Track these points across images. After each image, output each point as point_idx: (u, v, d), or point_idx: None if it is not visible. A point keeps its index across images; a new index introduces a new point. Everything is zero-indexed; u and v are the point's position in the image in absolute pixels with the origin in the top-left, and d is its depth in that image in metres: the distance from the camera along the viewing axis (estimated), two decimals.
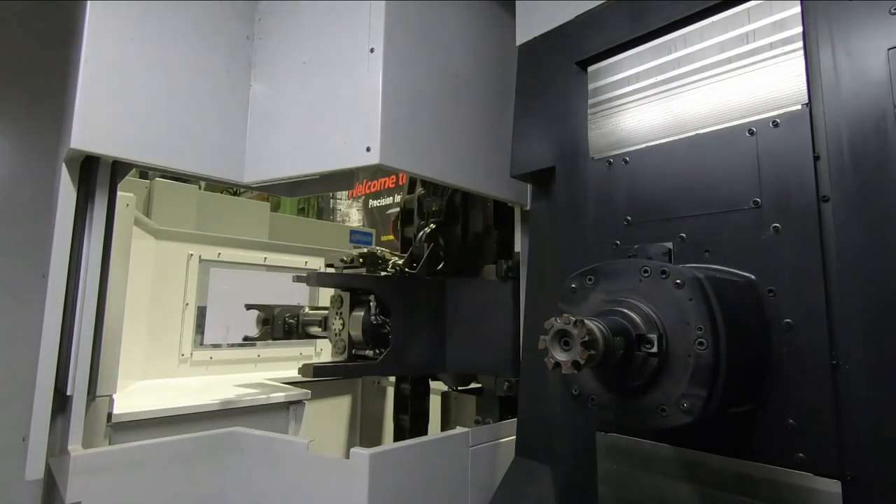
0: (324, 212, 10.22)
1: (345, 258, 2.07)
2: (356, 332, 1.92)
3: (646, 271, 1.07)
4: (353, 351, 1.93)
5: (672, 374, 1.00)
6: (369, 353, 1.94)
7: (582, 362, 0.92)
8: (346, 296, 1.96)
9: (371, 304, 1.95)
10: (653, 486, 1.25)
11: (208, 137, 1.73)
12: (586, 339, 0.93)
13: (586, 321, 0.95)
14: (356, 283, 1.98)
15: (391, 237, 8.05)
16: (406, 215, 2.64)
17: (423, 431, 2.45)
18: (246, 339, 2.33)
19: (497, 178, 1.94)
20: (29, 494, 1.72)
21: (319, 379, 3.19)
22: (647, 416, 1.03)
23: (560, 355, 0.96)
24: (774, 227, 1.13)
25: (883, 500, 0.96)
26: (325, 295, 3.50)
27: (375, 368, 1.96)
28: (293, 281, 2.00)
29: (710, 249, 1.22)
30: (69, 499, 1.36)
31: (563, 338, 0.97)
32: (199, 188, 4.02)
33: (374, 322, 1.93)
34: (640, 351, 1.02)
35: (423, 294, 2.10)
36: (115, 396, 2.00)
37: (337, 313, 1.97)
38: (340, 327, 1.94)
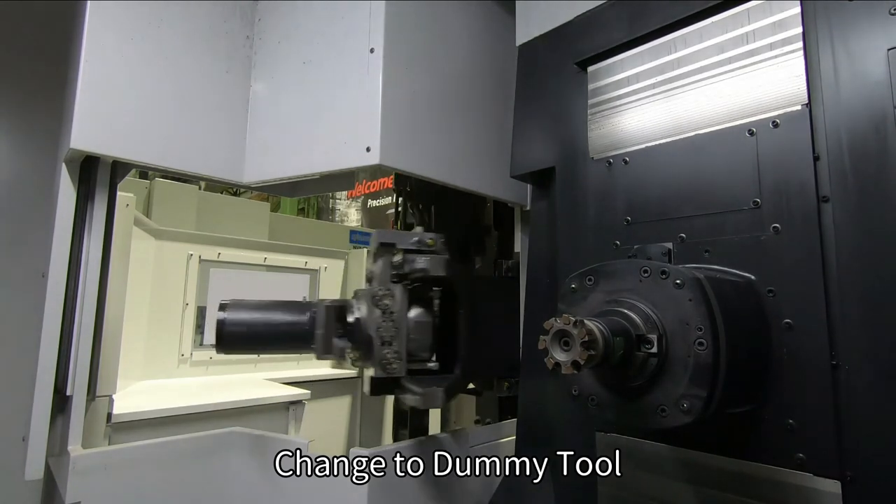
0: (323, 212, 10.22)
1: (428, 240, 1.62)
2: (422, 340, 1.53)
3: (646, 271, 1.07)
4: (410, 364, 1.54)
5: (672, 375, 1.00)
6: (432, 365, 1.60)
7: (582, 362, 0.93)
8: (399, 290, 1.54)
9: (435, 301, 1.62)
10: (653, 486, 1.25)
11: (208, 137, 1.73)
12: (586, 339, 0.93)
13: (586, 321, 0.96)
14: (448, 273, 1.59)
15: None
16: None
17: (423, 432, 2.45)
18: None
19: (497, 178, 1.94)
20: (29, 494, 1.72)
21: (312, 380, 3.19)
22: (647, 417, 1.03)
23: (560, 355, 0.96)
24: (774, 227, 1.13)
25: (883, 501, 0.96)
26: (326, 291, 3.50)
27: (465, 384, 1.68)
28: (373, 253, 1.59)
29: (710, 250, 1.22)
30: (69, 499, 1.36)
31: (563, 338, 0.97)
32: (199, 188, 4.03)
33: (438, 325, 1.60)
34: (640, 351, 1.02)
35: (495, 292, 1.92)
36: (114, 396, 2.01)
37: (386, 314, 1.51)
38: (393, 333, 1.49)
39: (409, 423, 2.36)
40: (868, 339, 1.00)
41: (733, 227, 1.19)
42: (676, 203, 1.30)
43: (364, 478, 1.39)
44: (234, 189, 6.56)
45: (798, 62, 1.14)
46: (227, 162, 1.78)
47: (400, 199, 2.46)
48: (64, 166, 1.46)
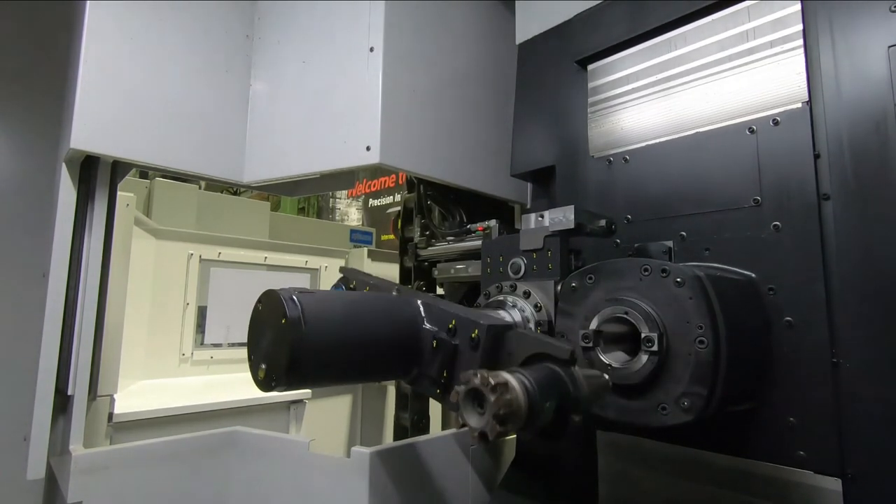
0: (324, 211, 10.22)
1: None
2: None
3: (646, 270, 1.07)
4: None
5: (672, 373, 1.00)
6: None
7: (491, 437, 0.74)
8: None
9: None
10: (653, 484, 1.25)
11: (208, 137, 1.73)
12: (501, 412, 0.73)
13: (511, 382, 0.76)
14: None
15: (391, 236, 8.05)
16: (407, 215, 2.63)
17: (424, 431, 2.45)
18: None
19: (497, 177, 1.94)
20: (30, 494, 1.72)
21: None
22: (648, 415, 1.03)
23: (471, 419, 0.78)
24: (775, 225, 1.13)
25: (883, 499, 0.96)
26: (329, 287, 3.49)
27: None
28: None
29: (711, 248, 1.22)
30: (70, 498, 1.36)
31: (476, 398, 0.78)
32: (199, 188, 4.02)
33: None
34: (641, 350, 1.02)
35: None
36: (115, 396, 2.01)
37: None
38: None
39: (410, 423, 2.36)
40: (868, 337, 1.00)
41: (734, 225, 1.19)
42: (677, 201, 1.30)
43: (364, 478, 1.39)
44: (234, 189, 6.56)
45: (798, 60, 1.14)
46: (227, 162, 1.78)
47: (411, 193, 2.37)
48: (64, 166, 1.46)
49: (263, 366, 0.94)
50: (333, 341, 0.94)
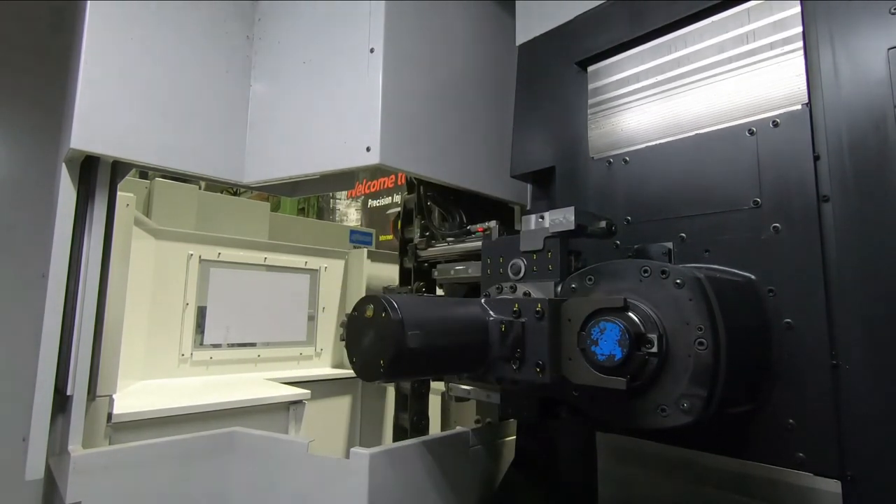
0: (323, 212, 10.22)
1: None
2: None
3: (646, 271, 1.07)
4: None
5: (672, 374, 1.00)
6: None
7: None
8: None
9: None
10: (653, 485, 1.25)
11: (208, 137, 1.73)
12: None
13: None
14: None
15: (390, 237, 8.04)
16: (406, 215, 2.63)
17: (424, 431, 2.45)
18: None
19: (497, 177, 1.94)
20: (29, 494, 1.72)
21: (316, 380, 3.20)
22: (648, 416, 1.03)
23: None
24: (774, 226, 1.13)
25: (883, 500, 0.96)
26: (327, 291, 3.50)
27: None
28: None
29: (711, 249, 1.22)
30: (69, 499, 1.36)
31: None
32: (199, 188, 4.02)
33: None
34: (640, 351, 1.02)
35: None
36: (115, 396, 2.01)
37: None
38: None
39: (410, 424, 2.35)
40: (868, 340, 1.00)
41: (733, 226, 1.19)
42: (676, 203, 1.30)
43: (363, 479, 1.39)
44: (234, 189, 6.56)
45: (798, 61, 1.14)
46: (227, 162, 1.78)
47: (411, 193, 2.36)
48: (64, 166, 1.46)
49: (367, 360, 1.09)
50: (427, 339, 1.08)
